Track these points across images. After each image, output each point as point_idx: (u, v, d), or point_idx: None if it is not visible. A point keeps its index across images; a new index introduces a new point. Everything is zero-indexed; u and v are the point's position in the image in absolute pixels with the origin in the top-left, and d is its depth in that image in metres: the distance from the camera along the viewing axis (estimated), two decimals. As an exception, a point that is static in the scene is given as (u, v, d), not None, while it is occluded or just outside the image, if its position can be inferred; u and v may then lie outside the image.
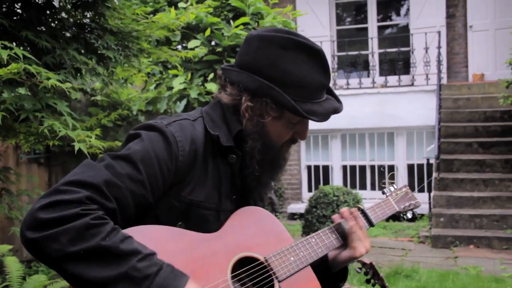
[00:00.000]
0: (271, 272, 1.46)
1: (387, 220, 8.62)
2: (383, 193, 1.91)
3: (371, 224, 1.77)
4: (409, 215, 1.93)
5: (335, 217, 1.70)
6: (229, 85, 1.51)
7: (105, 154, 1.34)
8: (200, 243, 1.37)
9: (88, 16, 2.97)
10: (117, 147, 3.42)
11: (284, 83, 1.44)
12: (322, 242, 1.61)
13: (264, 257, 1.47)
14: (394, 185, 1.94)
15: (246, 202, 1.59)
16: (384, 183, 1.94)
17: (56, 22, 2.93)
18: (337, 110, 1.53)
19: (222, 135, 1.47)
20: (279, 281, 1.46)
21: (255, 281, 1.45)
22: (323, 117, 1.48)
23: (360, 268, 2.40)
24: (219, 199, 1.49)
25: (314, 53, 1.47)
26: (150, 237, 1.29)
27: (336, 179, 9.82)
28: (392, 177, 1.98)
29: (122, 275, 1.15)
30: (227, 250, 1.41)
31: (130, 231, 1.27)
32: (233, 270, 1.40)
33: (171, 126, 1.41)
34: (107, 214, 1.23)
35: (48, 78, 2.26)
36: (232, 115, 1.51)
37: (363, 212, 1.77)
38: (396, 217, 1.97)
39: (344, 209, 1.71)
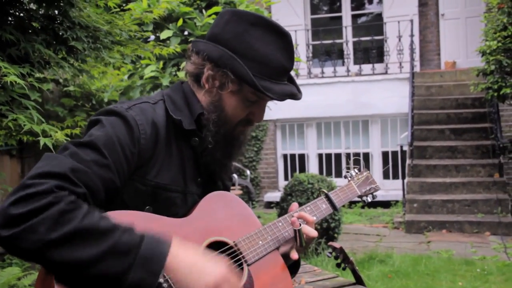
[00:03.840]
0: (240, 256, 1.49)
1: (362, 207, 8.75)
2: (345, 177, 1.95)
3: (335, 208, 1.80)
4: (369, 198, 1.98)
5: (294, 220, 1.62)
6: (194, 54, 1.53)
7: (67, 143, 1.33)
8: (172, 228, 1.39)
9: (56, 10, 2.93)
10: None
11: (246, 57, 1.46)
12: (289, 226, 1.64)
13: (234, 241, 1.50)
14: (355, 170, 1.98)
15: (213, 185, 1.61)
16: (350, 168, 1.99)
17: (24, 12, 2.89)
18: (294, 95, 1.54)
19: (184, 119, 1.49)
20: (248, 265, 1.49)
21: None
22: (279, 96, 1.49)
23: (331, 253, 2.45)
24: (184, 182, 1.51)
25: (281, 36, 1.50)
26: (122, 222, 1.29)
27: (312, 167, 9.90)
28: (356, 162, 2.02)
29: (107, 251, 1.15)
30: (198, 234, 1.43)
31: None
32: None
33: (131, 110, 1.42)
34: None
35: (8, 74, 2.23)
36: (192, 97, 1.54)
37: (327, 196, 1.81)
38: (371, 203, 2.01)
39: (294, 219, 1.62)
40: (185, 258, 1.23)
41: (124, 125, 1.38)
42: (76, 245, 1.14)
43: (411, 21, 9.40)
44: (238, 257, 1.49)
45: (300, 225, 1.59)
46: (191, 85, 1.57)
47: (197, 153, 1.54)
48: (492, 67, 7.03)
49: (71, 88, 6.02)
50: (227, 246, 1.49)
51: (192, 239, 1.41)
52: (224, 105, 1.51)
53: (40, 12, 3.01)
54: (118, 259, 1.16)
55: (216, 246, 1.47)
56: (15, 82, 2.22)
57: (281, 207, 6.27)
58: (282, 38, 1.50)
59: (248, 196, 8.91)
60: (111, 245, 1.16)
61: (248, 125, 1.59)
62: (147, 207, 1.43)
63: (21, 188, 1.18)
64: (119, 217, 1.29)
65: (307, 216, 1.65)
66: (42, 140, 2.50)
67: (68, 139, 2.74)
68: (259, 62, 1.47)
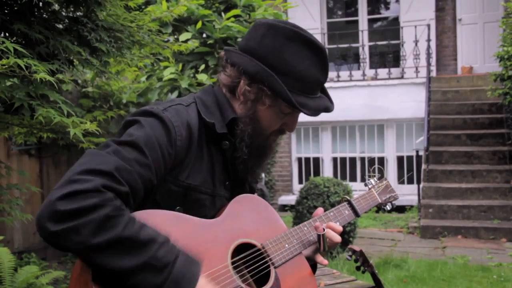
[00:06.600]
0: (267, 258, 1.51)
1: (377, 211, 8.72)
2: (365, 185, 1.98)
3: (357, 214, 1.83)
4: (388, 207, 2.01)
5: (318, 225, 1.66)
6: (229, 66, 1.54)
7: (108, 140, 1.36)
8: (203, 229, 1.42)
9: (80, 12, 2.97)
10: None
11: (283, 73, 1.48)
12: (314, 230, 1.66)
13: (261, 244, 1.52)
14: (375, 178, 2.00)
15: (240, 188, 1.63)
16: (369, 176, 2.01)
17: (49, 14, 2.93)
18: (328, 109, 1.59)
19: (217, 122, 1.51)
20: (275, 267, 1.51)
21: (251, 267, 1.50)
22: (314, 112, 1.53)
23: (350, 256, 2.45)
24: (213, 184, 1.53)
25: (317, 50, 1.53)
26: (155, 221, 1.32)
27: (327, 171, 9.88)
28: (375, 171, 2.05)
29: (144, 264, 1.20)
30: (226, 236, 1.46)
31: (136, 214, 1.30)
32: (231, 256, 1.44)
33: (167, 111, 1.44)
34: (121, 199, 1.25)
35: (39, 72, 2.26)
36: (224, 102, 1.55)
37: (349, 203, 1.83)
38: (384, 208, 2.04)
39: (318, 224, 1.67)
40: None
41: (161, 127, 1.40)
42: (117, 253, 1.18)
43: (428, 25, 9.35)
44: (265, 260, 1.51)
45: (324, 230, 1.62)
46: (225, 93, 1.58)
47: (226, 157, 1.56)
48: (510, 73, 6.97)
49: (90, 89, 6.08)
50: (255, 249, 1.51)
51: (221, 241, 1.44)
52: (259, 117, 1.54)
53: (63, 14, 3.06)
54: (155, 273, 1.20)
55: (244, 248, 1.49)
56: (44, 79, 2.25)
57: (297, 210, 6.27)
58: (318, 52, 1.53)
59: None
60: (149, 259, 1.20)
61: (281, 134, 1.63)
62: (178, 207, 1.45)
63: (68, 182, 1.20)
64: (153, 217, 1.32)
65: (335, 227, 1.67)
66: (72, 131, 2.49)
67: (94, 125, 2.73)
68: (295, 78, 1.49)
